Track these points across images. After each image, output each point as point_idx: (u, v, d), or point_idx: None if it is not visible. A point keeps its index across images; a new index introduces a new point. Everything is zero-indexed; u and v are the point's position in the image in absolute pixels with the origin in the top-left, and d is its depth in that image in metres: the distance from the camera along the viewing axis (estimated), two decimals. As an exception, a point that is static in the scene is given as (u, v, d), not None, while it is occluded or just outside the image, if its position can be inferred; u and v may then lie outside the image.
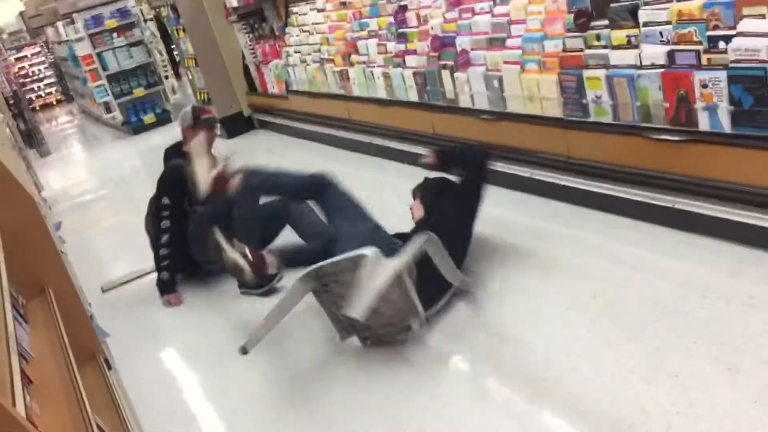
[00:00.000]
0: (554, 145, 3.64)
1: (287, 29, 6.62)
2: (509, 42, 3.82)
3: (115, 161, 8.94)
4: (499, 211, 3.89)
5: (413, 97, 4.71)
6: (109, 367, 3.09)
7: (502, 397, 2.49)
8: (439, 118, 4.50)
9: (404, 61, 4.71)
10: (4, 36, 16.90)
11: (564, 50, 3.44)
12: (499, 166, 4.04)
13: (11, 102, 7.39)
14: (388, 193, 4.77)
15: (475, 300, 3.08)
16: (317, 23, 6.03)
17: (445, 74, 4.29)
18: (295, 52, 6.35)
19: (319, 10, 5.99)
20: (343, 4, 5.60)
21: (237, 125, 7.75)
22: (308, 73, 6.10)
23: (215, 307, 3.80)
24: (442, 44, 4.33)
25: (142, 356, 3.51)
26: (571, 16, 3.41)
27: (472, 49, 4.08)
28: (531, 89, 3.66)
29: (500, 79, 3.86)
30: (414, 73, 4.59)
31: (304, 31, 6.25)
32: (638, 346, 2.47)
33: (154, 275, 4.14)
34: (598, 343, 2.55)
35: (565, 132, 3.54)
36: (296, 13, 6.44)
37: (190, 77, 8.70)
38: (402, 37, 4.77)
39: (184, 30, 7.67)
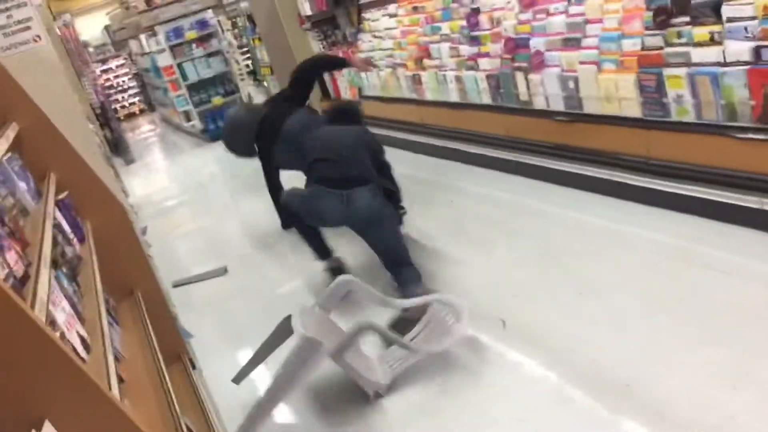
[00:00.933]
0: (633, 146, 3.56)
1: (360, 35, 6.70)
2: (585, 42, 3.76)
3: (194, 168, 9.24)
4: (575, 214, 3.84)
5: (486, 100, 4.69)
6: (194, 367, 3.21)
7: (585, 404, 2.45)
8: (513, 121, 4.47)
9: (477, 64, 4.70)
10: (90, 49, 17.69)
11: (643, 49, 3.36)
12: (575, 168, 3.99)
13: (98, 112, 7.76)
14: (460, 194, 4.76)
15: (550, 303, 3.04)
16: (389, 28, 6.08)
17: (519, 76, 4.25)
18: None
19: (392, 16, 6.04)
20: (415, 8, 5.62)
21: (311, 131, 7.87)
22: (381, 78, 6.16)
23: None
24: (516, 46, 4.30)
25: (223, 356, 3.62)
26: (650, 13, 3.32)
27: (546, 50, 4.03)
28: (608, 89, 3.59)
29: (576, 80, 3.80)
30: (487, 76, 4.57)
31: (377, 37, 6.31)
32: (726, 351, 2.39)
33: (223, 278, 4.29)
34: (684, 349, 2.48)
35: (645, 132, 3.46)
36: (368, 19, 6.51)
37: (266, 85, 8.91)
38: (474, 40, 4.76)
39: (260, 39, 7.87)
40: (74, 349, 1.60)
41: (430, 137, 5.61)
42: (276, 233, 5.32)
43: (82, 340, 1.70)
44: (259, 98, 12.02)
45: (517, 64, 4.26)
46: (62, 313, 1.64)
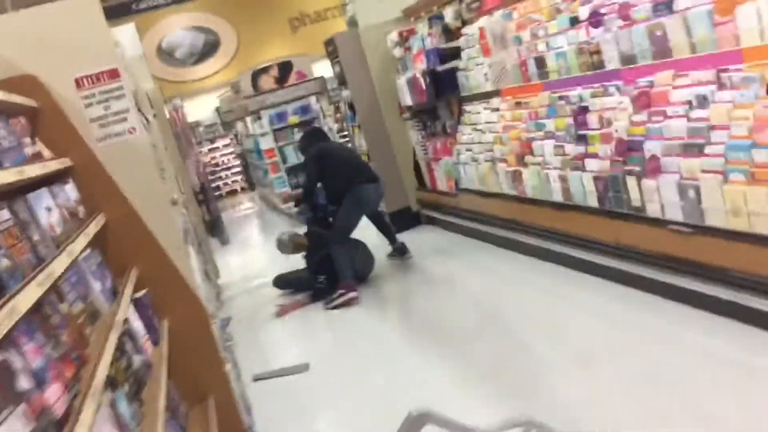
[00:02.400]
0: (765, 266, 3.14)
1: (460, 127, 6.57)
2: (709, 149, 3.42)
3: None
4: (694, 336, 3.42)
5: (593, 202, 4.37)
6: (262, 485, 2.96)
7: None
8: (623, 227, 4.12)
9: (584, 164, 4.42)
10: (201, 128, 18.60)
11: (779, 160, 3.00)
12: (695, 285, 3.59)
13: (199, 192, 7.96)
14: (559, 300, 4.41)
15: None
16: (490, 122, 5.91)
17: (631, 180, 3.93)
18: (467, 150, 6.26)
19: (494, 110, 5.88)
20: (519, 103, 5.44)
21: (404, 220, 7.73)
22: (479, 171, 5.96)
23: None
24: (628, 148, 4.00)
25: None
26: (788, 121, 2.98)
27: (663, 155, 3.71)
28: (736, 202, 3.22)
29: (697, 189, 3.45)
30: (594, 178, 4.27)
31: (477, 130, 6.16)
32: None
33: (306, 375, 4.21)
34: None
35: (780, 253, 3.05)
36: (469, 111, 6.38)
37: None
38: (581, 140, 4.50)
39: (359, 127, 7.90)
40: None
41: (529, 236, 5.30)
42: (361, 323, 5.12)
43: (127, 486, 1.49)
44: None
45: (629, 168, 3.95)
46: (107, 454, 1.45)
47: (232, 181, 18.70)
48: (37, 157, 2.38)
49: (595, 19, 4.28)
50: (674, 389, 3.04)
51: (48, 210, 2.05)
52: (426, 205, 7.65)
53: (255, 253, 10.25)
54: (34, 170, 2.07)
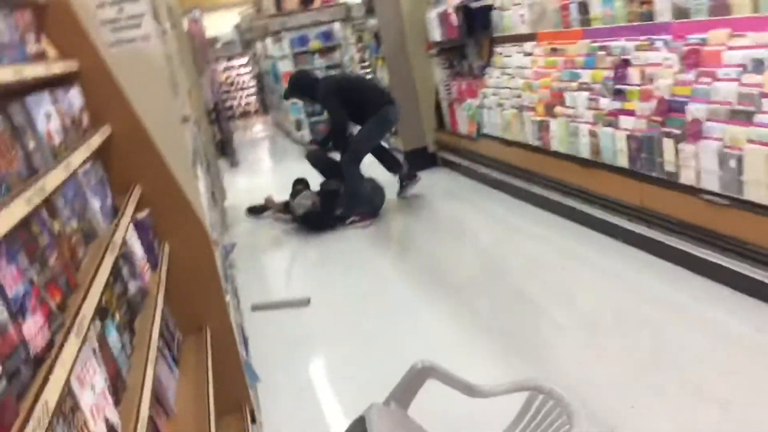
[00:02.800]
0: (803, 249, 2.97)
1: (488, 69, 6.29)
2: (758, 118, 3.20)
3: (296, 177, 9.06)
4: (713, 312, 3.27)
5: (622, 162, 4.16)
6: (253, 421, 2.87)
7: None
8: (651, 191, 3.92)
9: (617, 121, 4.18)
10: (219, 45, 18.13)
11: (837, 138, 2.78)
12: (723, 260, 3.42)
13: (212, 111, 7.72)
14: (574, 261, 4.25)
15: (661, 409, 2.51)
16: (522, 67, 5.63)
17: (668, 143, 3.71)
18: (493, 95, 6.00)
19: (527, 54, 5.59)
20: (555, 50, 5.15)
21: (420, 160, 7.51)
22: (504, 117, 5.72)
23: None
24: (669, 108, 3.77)
25: (290, 407, 3.26)
26: None
27: (707, 120, 3.48)
28: (781, 178, 3.02)
29: (739, 159, 3.24)
30: (628, 136, 4.04)
31: (506, 74, 5.88)
32: None
33: (307, 309, 4.24)
34: None
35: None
36: (500, 53, 6.09)
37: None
38: (619, 95, 4.25)
39: (383, 59, 7.60)
40: (94, 447, 1.26)
41: (549, 190, 5.11)
42: (369, 258, 4.99)
43: (110, 429, 1.35)
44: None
45: (667, 129, 3.73)
46: (91, 395, 1.30)
47: (246, 103, 18.36)
48: (40, 57, 2.17)
49: (651, -34, 3.97)
50: (680, 366, 2.91)
51: (47, 116, 1.87)
52: (443, 147, 7.43)
53: (264, 177, 10.09)
54: (34, 70, 1.88)
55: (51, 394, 1.02)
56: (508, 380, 2.87)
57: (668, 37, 3.91)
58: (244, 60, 18.04)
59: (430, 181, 6.98)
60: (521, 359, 3.26)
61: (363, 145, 6.14)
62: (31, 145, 1.67)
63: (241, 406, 2.82)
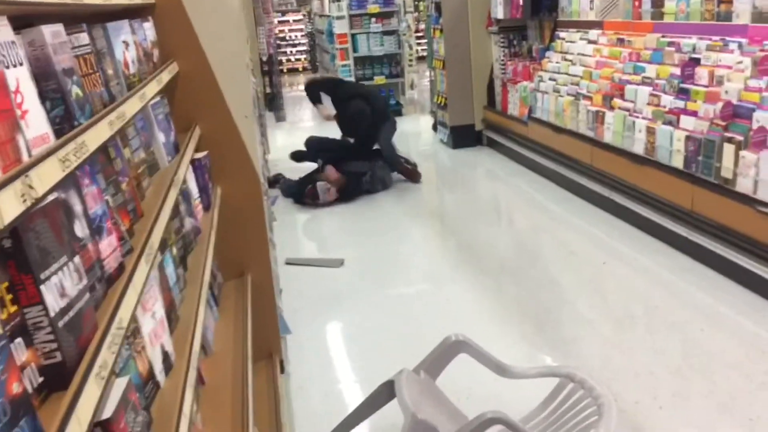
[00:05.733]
0: None
1: (548, 53, 6.18)
2: (829, 133, 3.11)
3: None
4: (754, 326, 3.22)
5: (677, 162, 4.08)
6: (282, 371, 2.91)
7: None
8: (703, 196, 3.84)
9: (678, 120, 4.10)
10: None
11: None
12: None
13: (265, 63, 7.73)
14: (614, 258, 4.20)
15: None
16: (584, 54, 5.53)
17: (728, 148, 3.63)
18: (550, 79, 5.91)
19: (591, 42, 5.48)
20: (621, 41, 5.04)
21: (465, 137, 7.48)
22: (558, 104, 5.63)
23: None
24: (734, 113, 3.68)
25: (317, 362, 3.30)
26: None
27: (773, 129, 3.40)
28: None
29: (803, 174, 3.16)
30: (687, 137, 3.96)
31: (567, 60, 5.78)
32: None
33: (339, 270, 4.30)
34: None
35: None
36: (563, 38, 5.98)
37: (432, 78, 8.56)
38: (683, 93, 4.15)
39: (441, 30, 7.51)
40: (150, 371, 1.28)
41: (596, 183, 5.04)
42: (405, 228, 4.99)
43: (165, 357, 1.38)
44: (422, 85, 11.75)
45: (729, 134, 3.64)
46: (151, 321, 1.33)
47: (296, 59, 18.31)
48: (121, -15, 2.18)
49: (736, -35, 3.85)
50: (711, 373, 2.87)
51: (125, 44, 1.88)
52: (491, 126, 7.35)
53: (306, 136, 10.09)
54: (117, -2, 1.89)
55: (125, 314, 1.04)
56: (533, 364, 2.89)
57: (744, 41, 3.81)
58: (299, 16, 17.95)
59: (474, 158, 6.93)
60: (549, 346, 3.25)
61: (392, 146, 6.39)
62: (110, 70, 1.68)
63: (272, 354, 2.86)
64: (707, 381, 2.84)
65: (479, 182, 6.40)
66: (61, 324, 0.85)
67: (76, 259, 0.95)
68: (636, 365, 3.00)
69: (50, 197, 0.91)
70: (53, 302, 0.84)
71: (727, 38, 3.94)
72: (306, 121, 11.53)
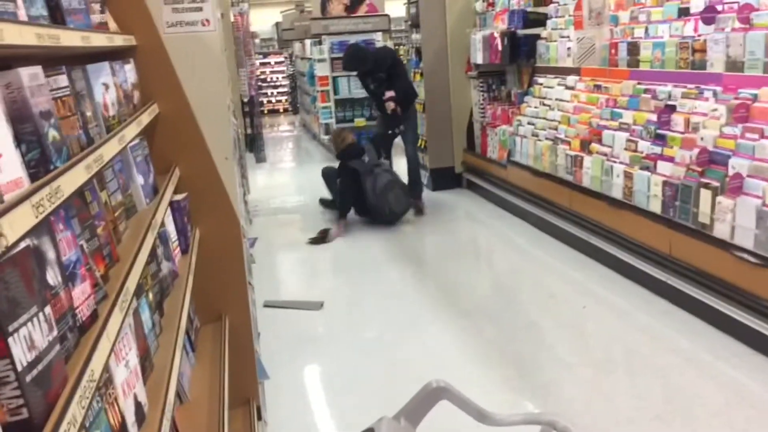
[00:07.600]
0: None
1: (526, 98, 6.27)
2: (803, 180, 3.16)
3: (319, 181, 9.07)
4: (735, 373, 3.22)
5: (655, 207, 4.12)
6: (259, 418, 2.84)
7: None
8: (681, 240, 3.87)
9: (655, 166, 4.15)
10: (257, 41, 18.25)
11: None
12: (751, 321, 3.36)
13: (245, 104, 7.75)
14: (594, 301, 4.21)
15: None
16: (561, 99, 5.62)
17: (705, 194, 3.67)
18: (529, 124, 5.98)
19: (568, 87, 5.58)
20: (598, 87, 5.13)
21: (445, 179, 7.52)
22: (537, 148, 5.69)
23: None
24: (710, 160, 3.73)
25: (295, 409, 3.23)
26: None
27: (748, 176, 3.45)
28: (820, 244, 2.97)
29: (778, 220, 3.20)
30: (664, 182, 4.01)
31: (545, 105, 5.87)
32: None
33: (318, 313, 4.25)
34: None
35: None
36: (541, 84, 6.08)
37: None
38: (659, 139, 4.22)
39: (421, 74, 7.60)
40: (123, 424, 1.23)
41: (574, 227, 5.06)
42: (384, 270, 4.96)
43: (138, 407, 1.33)
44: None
45: (706, 180, 3.69)
46: (124, 371, 1.29)
47: (276, 101, 18.43)
48: (102, 27, 2.18)
49: (709, 15, 3.95)
50: (693, 419, 2.86)
51: (105, 86, 1.87)
52: (470, 169, 7.41)
53: (286, 176, 10.10)
54: (99, 39, 1.88)
55: (97, 365, 1.00)
56: (514, 409, 2.86)
57: (718, 89, 3.89)
58: (280, 58, 18.12)
59: (453, 200, 6.96)
60: (529, 390, 3.22)
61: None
62: (88, 112, 1.66)
63: (249, 400, 2.79)
64: (688, 428, 2.82)
65: (459, 224, 6.41)
66: (28, 378, 0.81)
67: (47, 309, 0.92)
68: (617, 411, 2.97)
69: (22, 245, 0.88)
70: (21, 355, 0.81)
71: (702, 86, 4.02)
72: (286, 162, 11.57)
